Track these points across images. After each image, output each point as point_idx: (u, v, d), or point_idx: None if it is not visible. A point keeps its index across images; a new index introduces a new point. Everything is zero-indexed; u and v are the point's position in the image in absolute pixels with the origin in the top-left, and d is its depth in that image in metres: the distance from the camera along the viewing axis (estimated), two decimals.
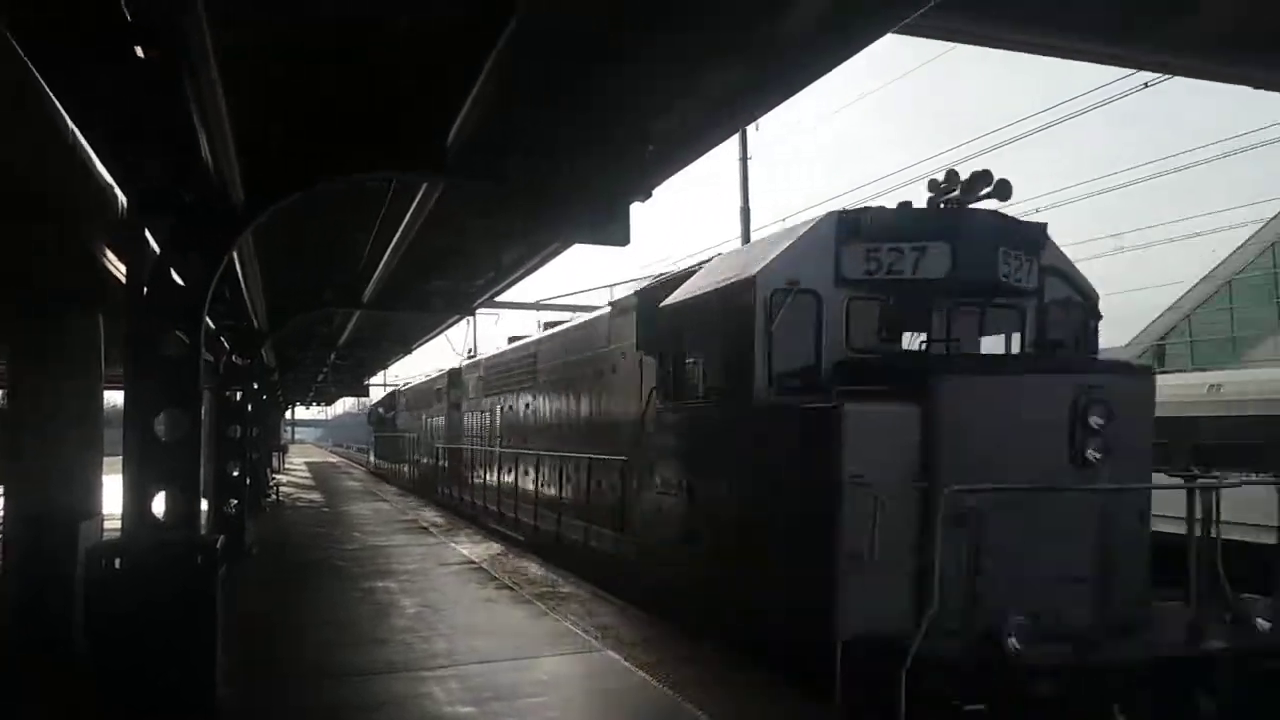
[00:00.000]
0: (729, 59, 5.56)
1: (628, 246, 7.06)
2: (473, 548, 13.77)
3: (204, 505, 11.79)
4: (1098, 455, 5.75)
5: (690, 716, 5.68)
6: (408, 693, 6.15)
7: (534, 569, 11.58)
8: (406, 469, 30.19)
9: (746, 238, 20.58)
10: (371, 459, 45.73)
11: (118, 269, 6.98)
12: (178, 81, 4.42)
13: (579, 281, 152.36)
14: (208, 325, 12.71)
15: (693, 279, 8.30)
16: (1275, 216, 27.07)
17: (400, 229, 8.83)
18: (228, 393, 13.38)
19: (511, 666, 6.86)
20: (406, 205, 8.11)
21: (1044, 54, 6.69)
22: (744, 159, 21.79)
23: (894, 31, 5.71)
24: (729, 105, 6.24)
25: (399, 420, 34.59)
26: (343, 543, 14.43)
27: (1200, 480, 6.11)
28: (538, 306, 25.75)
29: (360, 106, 6.10)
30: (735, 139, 20.97)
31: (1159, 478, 6.76)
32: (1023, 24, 6.10)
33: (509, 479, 15.62)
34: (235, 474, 12.70)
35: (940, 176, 7.09)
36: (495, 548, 13.84)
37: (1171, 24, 6.21)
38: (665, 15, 4.97)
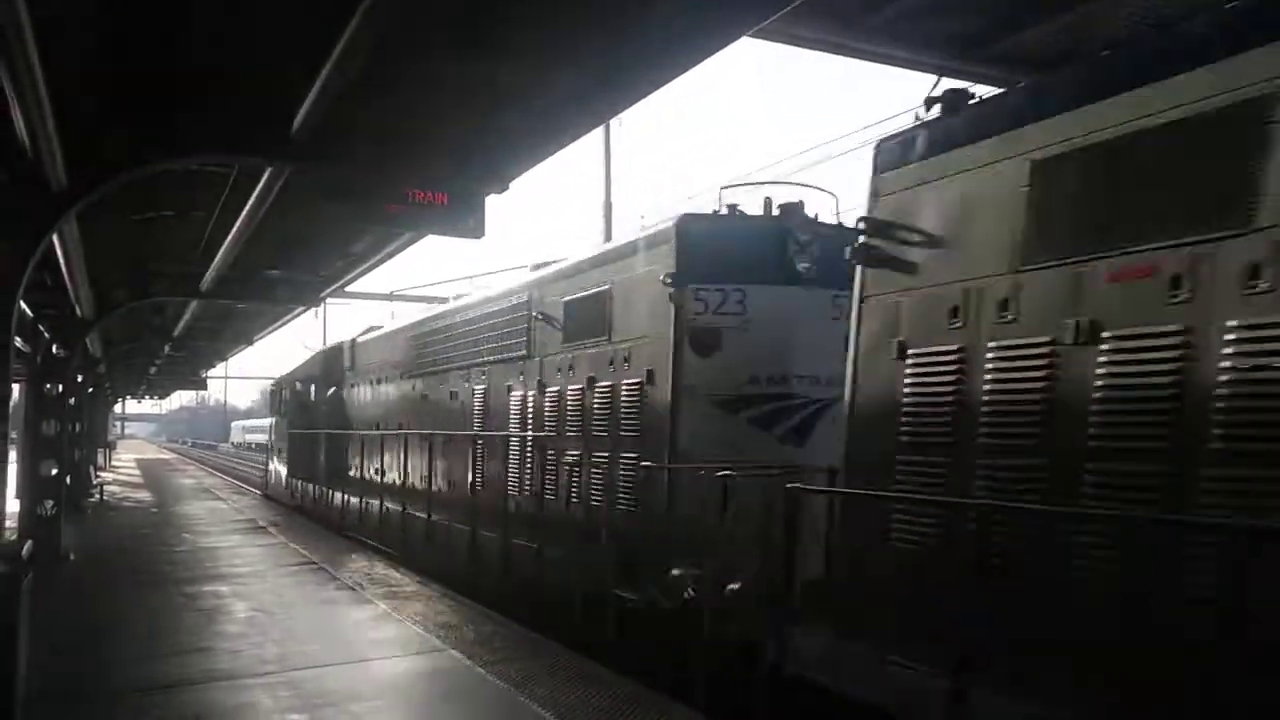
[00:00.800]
0: (583, 57, 5.55)
1: (483, 238, 6.95)
2: (314, 547, 13.29)
3: (16, 508, 11.05)
4: None
5: (529, 711, 5.64)
6: (232, 703, 5.86)
7: (379, 569, 11.28)
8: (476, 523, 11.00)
9: (609, 232, 20.67)
10: (277, 472, 24.54)
11: None
12: None
13: (437, 272, 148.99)
14: (25, 313, 11.87)
15: None
16: None
17: (243, 215, 8.41)
18: (47, 386, 12.44)
19: (347, 670, 6.64)
20: (250, 190, 7.72)
21: (890, 64, 6.99)
22: (607, 154, 21.87)
23: (750, 36, 5.86)
24: (584, 102, 6.24)
25: (372, 400, 16.98)
26: (172, 545, 13.65)
27: None
28: (390, 298, 25.14)
29: (200, 86, 5.77)
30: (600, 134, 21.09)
31: None
32: (869, 35, 6.36)
33: None
34: (52, 473, 11.81)
35: None
36: (339, 546, 13.40)
37: (1004, 41, 6.60)
38: (520, 10, 4.92)
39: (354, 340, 18.56)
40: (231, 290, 12.95)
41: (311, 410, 21.08)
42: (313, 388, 21.19)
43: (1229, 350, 3.81)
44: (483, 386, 11.71)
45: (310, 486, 19.78)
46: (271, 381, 24.66)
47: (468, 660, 6.77)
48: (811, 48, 6.86)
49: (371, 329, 18.39)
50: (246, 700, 5.89)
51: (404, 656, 7.03)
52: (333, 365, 19.68)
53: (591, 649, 7.16)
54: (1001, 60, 6.77)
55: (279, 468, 24.19)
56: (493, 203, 7.00)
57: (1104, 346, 4.27)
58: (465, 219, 6.75)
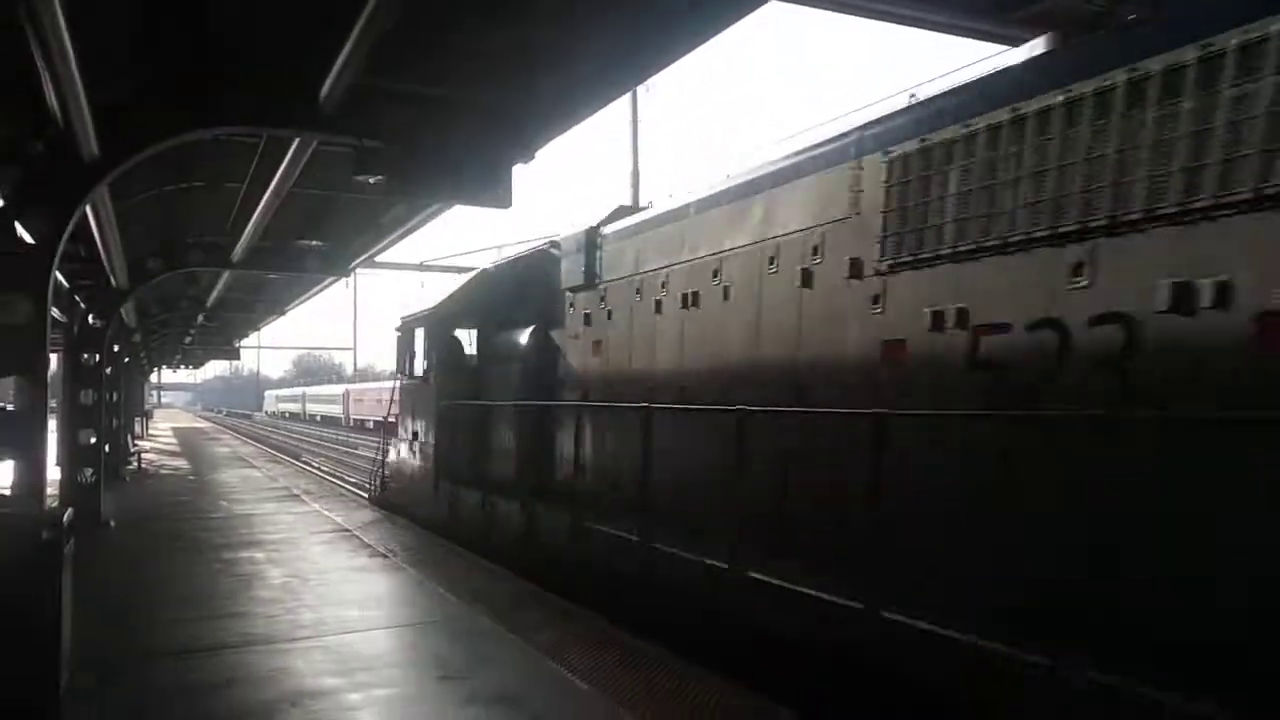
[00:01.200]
0: (611, 22, 5.50)
1: (510, 208, 6.95)
2: (347, 515, 13.48)
3: (57, 475, 11.28)
4: None
5: (559, 676, 5.71)
6: (268, 667, 5.98)
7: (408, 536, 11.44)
8: None
9: (636, 202, 20.59)
10: (411, 467, 14.55)
11: None
12: (14, 24, 4.10)
13: (465, 243, 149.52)
14: (61, 284, 12.06)
15: None
16: None
17: (272, 185, 8.47)
18: (84, 355, 12.64)
19: (385, 635, 6.75)
20: (279, 160, 7.78)
21: (922, 28, 6.86)
22: (634, 121, 21.76)
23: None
24: (613, 69, 6.18)
25: (678, 341, 8.70)
26: (208, 512, 13.89)
27: None
28: (420, 268, 25.26)
29: (228, 54, 5.79)
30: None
31: None
32: None
33: None
34: (91, 442, 12.03)
35: None
36: (369, 515, 13.60)
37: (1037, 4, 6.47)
38: None
39: (597, 232, 10.26)
40: (262, 260, 13.08)
41: (486, 366, 12.87)
42: (483, 331, 13.12)
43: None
44: None
45: (513, 508, 10.10)
46: (397, 323, 14.91)
47: None
48: (847, 11, 6.77)
49: (621, 211, 10.74)
50: (281, 665, 6.00)
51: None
52: (532, 287, 11.84)
53: None
54: (1037, 22, 6.63)
55: (414, 459, 14.27)
56: (516, 173, 6.99)
57: None
58: (493, 189, 6.74)
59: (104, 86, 5.37)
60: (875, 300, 6.32)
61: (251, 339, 41.29)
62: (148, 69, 5.82)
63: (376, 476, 16.95)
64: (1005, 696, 4.38)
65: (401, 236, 12.01)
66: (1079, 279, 4.97)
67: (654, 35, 5.63)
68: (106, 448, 13.44)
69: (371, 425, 63.95)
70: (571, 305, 10.74)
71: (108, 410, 14.23)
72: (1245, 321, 4.17)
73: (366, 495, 17.35)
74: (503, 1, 5.16)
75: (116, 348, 17.47)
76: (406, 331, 14.67)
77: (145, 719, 5.14)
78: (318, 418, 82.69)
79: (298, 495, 16.49)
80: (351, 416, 71.16)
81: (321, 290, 19.29)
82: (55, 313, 12.40)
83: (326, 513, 13.84)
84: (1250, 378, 4.12)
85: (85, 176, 6.01)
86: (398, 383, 15.30)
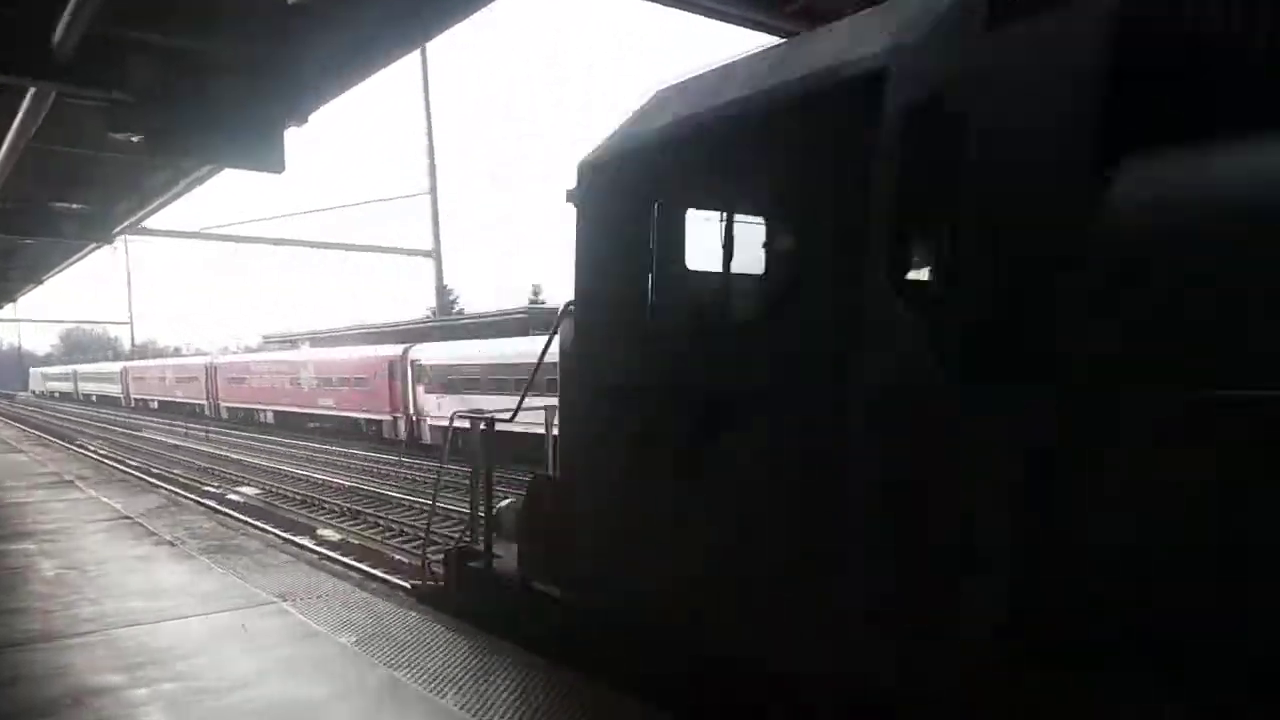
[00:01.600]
0: None
1: (284, 173, 6.58)
2: (127, 501, 12.58)
3: None
4: None
5: (360, 658, 5.61)
6: (47, 665, 5.53)
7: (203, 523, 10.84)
8: None
9: (433, 171, 20.02)
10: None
11: None
12: None
13: (237, 211, 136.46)
14: None
15: None
16: None
17: (8, 140, 7.63)
18: None
19: (173, 627, 6.38)
20: (14, 112, 7.01)
21: (694, 12, 6.83)
22: (425, 85, 21.08)
23: None
24: (395, 21, 5.94)
25: None
26: None
27: None
28: (200, 235, 23.74)
29: None
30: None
31: None
32: None
33: None
34: None
35: None
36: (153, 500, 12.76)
37: None
38: None
39: None
40: (10, 224, 11.89)
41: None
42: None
43: None
44: None
45: None
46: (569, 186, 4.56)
47: None
48: None
49: None
50: (67, 661, 5.57)
51: None
52: None
53: None
54: (811, 15, 6.73)
55: (647, 548, 4.30)
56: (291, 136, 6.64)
57: None
58: (264, 152, 6.38)
59: None
60: None
61: (8, 310, 37.50)
62: None
63: (450, 547, 7.15)
64: None
65: (169, 201, 11.17)
66: None
67: None
68: None
69: (156, 406, 59.85)
70: None
71: None
72: None
73: (409, 585, 9.62)
74: None
75: None
76: (611, 206, 4.52)
77: None
78: (93, 398, 76.60)
79: (71, 481, 15.24)
80: (133, 396, 66.38)
81: (84, 257, 17.73)
82: None
83: (105, 500, 12.88)
84: None
85: None
86: (542, 354, 5.64)
